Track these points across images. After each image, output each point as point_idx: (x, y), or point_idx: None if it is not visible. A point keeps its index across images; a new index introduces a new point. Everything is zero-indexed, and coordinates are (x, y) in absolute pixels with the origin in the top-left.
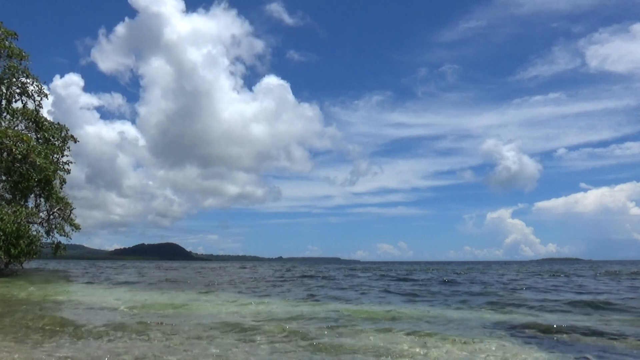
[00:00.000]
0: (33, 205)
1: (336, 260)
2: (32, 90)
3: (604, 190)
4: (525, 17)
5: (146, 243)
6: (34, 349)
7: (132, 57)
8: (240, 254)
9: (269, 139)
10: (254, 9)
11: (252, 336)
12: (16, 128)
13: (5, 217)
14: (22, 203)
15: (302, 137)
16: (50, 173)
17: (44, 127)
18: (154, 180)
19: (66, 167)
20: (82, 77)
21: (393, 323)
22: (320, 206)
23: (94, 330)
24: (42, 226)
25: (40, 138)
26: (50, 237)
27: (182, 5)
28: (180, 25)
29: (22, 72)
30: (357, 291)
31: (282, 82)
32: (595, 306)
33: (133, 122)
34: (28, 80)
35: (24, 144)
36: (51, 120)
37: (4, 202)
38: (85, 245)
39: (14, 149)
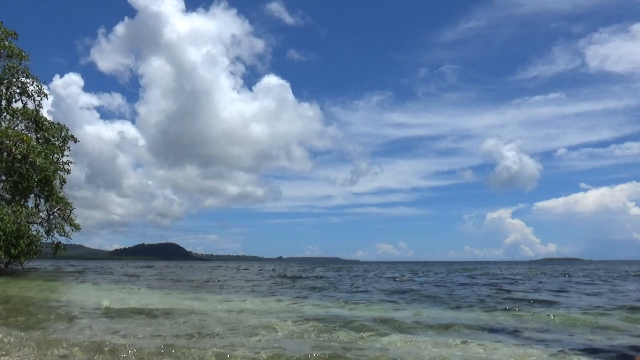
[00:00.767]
0: (33, 205)
1: (336, 260)
2: (32, 90)
3: (604, 190)
4: (525, 17)
5: (146, 243)
6: (34, 349)
7: (131, 57)
8: (240, 254)
9: (269, 139)
10: (254, 9)
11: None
12: (16, 128)
13: (5, 217)
14: (22, 203)
15: (302, 136)
16: (50, 173)
17: (44, 127)
18: (154, 180)
19: (66, 167)
20: (82, 77)
21: None
22: (320, 206)
23: (93, 330)
24: (42, 226)
25: (40, 138)
26: (50, 237)
27: (181, 5)
28: (179, 24)
29: (22, 72)
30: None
31: (282, 81)
32: None
33: (133, 121)
34: (28, 80)
35: (24, 144)
36: (51, 120)
37: (4, 202)
38: (85, 245)
39: (14, 149)
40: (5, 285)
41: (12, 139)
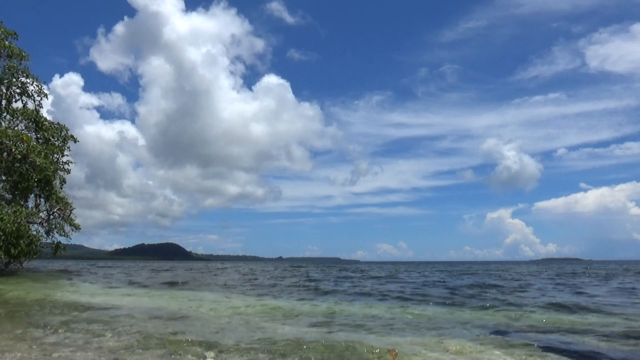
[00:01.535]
0: (33, 205)
1: (336, 261)
2: (32, 90)
3: (604, 190)
4: (525, 17)
5: (146, 243)
6: (33, 348)
7: (131, 57)
8: (240, 254)
9: (269, 139)
10: (254, 8)
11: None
12: (16, 128)
13: (5, 217)
14: (22, 203)
15: (302, 136)
16: (50, 173)
17: (44, 127)
18: (154, 180)
19: (66, 167)
20: (82, 76)
21: None
22: (321, 206)
23: (91, 330)
24: (42, 226)
25: (40, 138)
26: (50, 237)
27: (181, 4)
28: (179, 24)
29: (22, 72)
30: None
31: (282, 81)
32: None
33: (133, 121)
34: (28, 80)
35: (24, 144)
36: (51, 120)
37: (4, 202)
38: (85, 245)
39: (14, 149)
40: (5, 285)
41: (12, 139)
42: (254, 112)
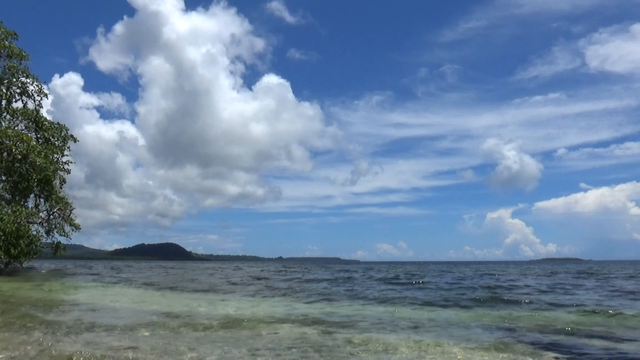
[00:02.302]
0: (33, 205)
1: (336, 261)
2: (32, 90)
3: (604, 190)
4: (525, 17)
5: (146, 243)
6: (33, 347)
7: (131, 56)
8: (240, 254)
9: (269, 139)
10: (254, 8)
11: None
12: (16, 128)
13: (5, 217)
14: (22, 203)
15: (302, 136)
16: (50, 173)
17: (44, 127)
18: (154, 180)
19: (66, 167)
20: (82, 76)
21: None
22: (321, 206)
23: (91, 329)
24: (42, 226)
25: (40, 138)
26: (50, 237)
27: (181, 4)
28: (179, 23)
29: (22, 72)
30: None
31: (282, 81)
32: None
33: (132, 121)
34: (28, 80)
35: (24, 144)
36: (51, 120)
37: (4, 202)
38: (85, 245)
39: (14, 149)
40: (5, 285)
41: (12, 139)
42: (254, 112)
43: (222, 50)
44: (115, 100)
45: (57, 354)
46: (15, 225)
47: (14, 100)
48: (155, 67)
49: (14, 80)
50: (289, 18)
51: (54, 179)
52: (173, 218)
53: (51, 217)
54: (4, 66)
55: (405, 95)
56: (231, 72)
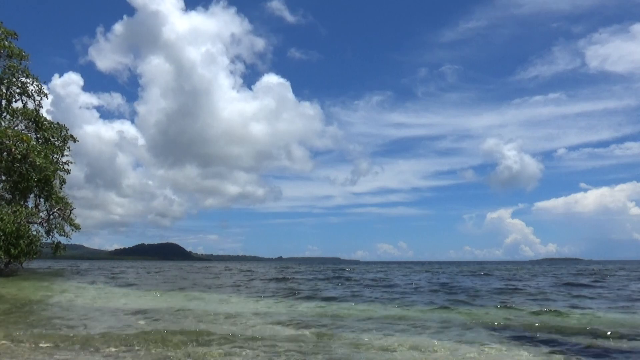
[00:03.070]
0: (33, 205)
1: (336, 261)
2: (32, 90)
3: (604, 190)
4: (525, 18)
5: (146, 243)
6: (33, 349)
7: (130, 56)
8: (240, 254)
9: (269, 138)
10: (254, 7)
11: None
12: (16, 128)
13: (5, 217)
14: (22, 203)
15: (302, 136)
16: (50, 173)
17: (43, 127)
18: (154, 179)
19: (66, 167)
20: (81, 76)
21: None
22: (321, 206)
23: (91, 330)
24: (42, 226)
25: (40, 138)
26: (50, 237)
27: (181, 4)
28: (179, 23)
29: (22, 72)
30: None
31: (282, 80)
32: None
33: (132, 121)
34: (28, 80)
35: (23, 144)
36: (50, 119)
37: (4, 202)
38: (85, 245)
39: (13, 149)
40: (5, 285)
41: (12, 139)
42: (254, 111)
43: (222, 49)
44: (115, 100)
45: (57, 358)
46: (15, 225)
47: (14, 100)
48: (155, 66)
49: (14, 80)
50: (289, 17)
51: (54, 179)
52: (173, 218)
53: (51, 217)
54: (4, 66)
55: (405, 95)
56: (231, 72)
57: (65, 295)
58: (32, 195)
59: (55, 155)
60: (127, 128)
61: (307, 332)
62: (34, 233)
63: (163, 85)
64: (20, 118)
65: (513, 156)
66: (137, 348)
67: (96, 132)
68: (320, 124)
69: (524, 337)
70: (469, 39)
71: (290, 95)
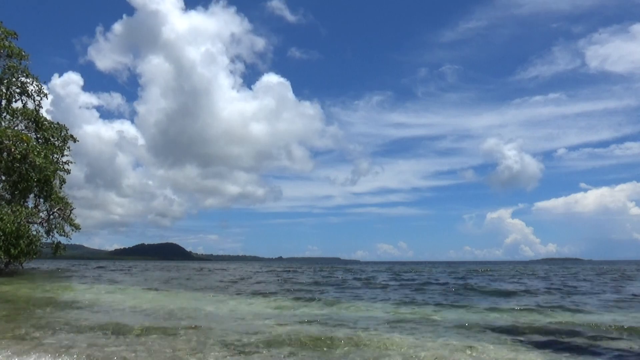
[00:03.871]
0: (33, 205)
1: (336, 261)
2: (32, 90)
3: (604, 190)
4: (525, 18)
5: (146, 243)
6: (34, 348)
7: (130, 56)
8: (240, 254)
9: (269, 138)
10: (254, 7)
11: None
12: (16, 128)
13: (5, 217)
14: (22, 203)
15: (302, 136)
16: (49, 173)
17: (43, 127)
18: (154, 179)
19: (66, 167)
20: (81, 76)
21: None
22: (321, 206)
23: (92, 329)
24: (42, 226)
25: (40, 138)
26: (50, 237)
27: (180, 3)
28: (178, 23)
29: (21, 72)
30: None
31: (282, 80)
32: None
33: (132, 121)
34: (28, 80)
35: (23, 144)
36: (50, 119)
37: (3, 202)
38: (85, 245)
39: (13, 149)
40: (5, 285)
41: (12, 139)
42: (254, 111)
43: (221, 49)
44: (115, 99)
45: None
46: (15, 225)
47: (13, 100)
48: (155, 66)
49: (14, 80)
50: (290, 17)
51: (54, 179)
52: (173, 218)
53: (51, 217)
54: (4, 66)
55: (405, 95)
56: (231, 72)
57: (65, 295)
58: (32, 195)
59: (55, 155)
60: (127, 128)
61: (307, 332)
62: (34, 233)
63: (163, 85)
64: (20, 118)
65: (513, 156)
66: (139, 348)
67: (96, 132)
68: (321, 124)
69: (524, 337)
70: (469, 39)
71: (290, 95)
